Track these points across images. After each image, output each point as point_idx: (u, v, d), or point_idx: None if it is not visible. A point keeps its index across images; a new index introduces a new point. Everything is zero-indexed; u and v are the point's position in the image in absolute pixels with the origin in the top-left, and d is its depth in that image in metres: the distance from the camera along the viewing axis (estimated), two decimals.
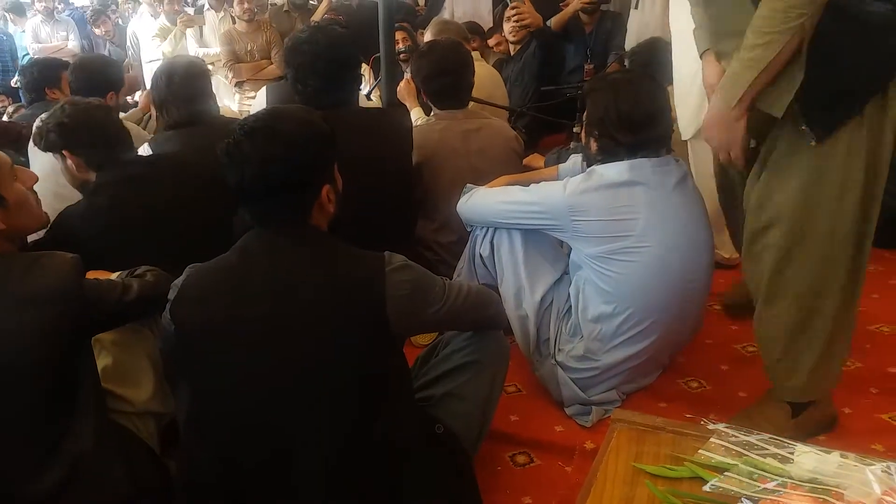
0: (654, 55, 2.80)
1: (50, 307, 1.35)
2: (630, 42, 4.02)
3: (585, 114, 1.90)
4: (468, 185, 2.14)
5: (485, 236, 2.06)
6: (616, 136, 1.79)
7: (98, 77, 2.85)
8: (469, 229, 2.14)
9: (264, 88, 3.17)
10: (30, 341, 1.33)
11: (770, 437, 1.06)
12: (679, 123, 2.60)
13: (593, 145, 1.86)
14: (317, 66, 2.19)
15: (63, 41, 6.83)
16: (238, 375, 1.33)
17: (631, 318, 1.81)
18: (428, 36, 3.58)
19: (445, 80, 2.52)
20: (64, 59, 3.71)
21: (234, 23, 5.16)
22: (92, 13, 6.61)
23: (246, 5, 4.91)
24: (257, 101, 3.18)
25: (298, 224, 1.39)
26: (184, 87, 2.41)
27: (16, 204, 1.46)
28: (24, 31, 7.02)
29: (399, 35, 3.87)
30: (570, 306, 1.94)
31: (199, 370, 1.38)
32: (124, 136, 1.99)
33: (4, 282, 1.35)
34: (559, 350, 1.94)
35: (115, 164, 1.94)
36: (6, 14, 7.11)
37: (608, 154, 1.82)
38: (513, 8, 4.15)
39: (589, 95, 1.88)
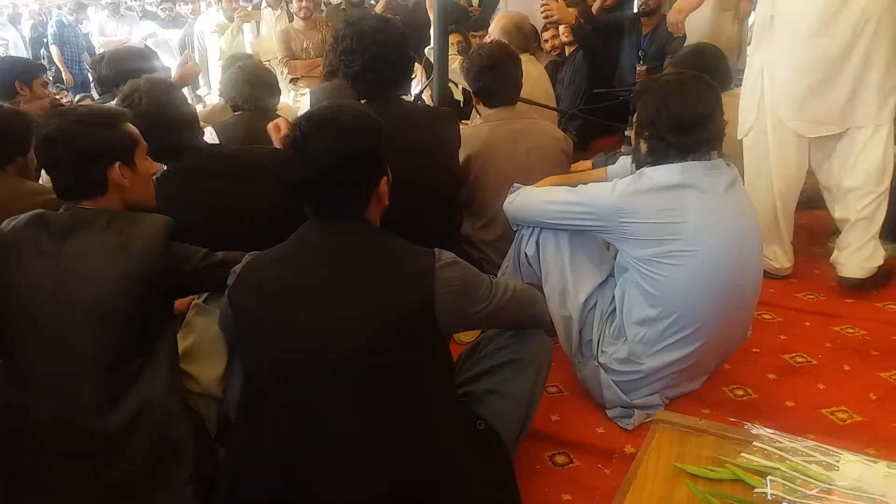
0: (700, 60, 2.75)
1: (137, 257, 1.51)
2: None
3: (636, 115, 1.89)
4: (515, 184, 2.15)
5: (530, 236, 2.07)
6: (666, 138, 1.77)
7: (124, 66, 3.01)
8: (515, 228, 2.15)
9: (308, 93, 3.30)
10: (117, 285, 1.48)
11: (815, 445, 1.05)
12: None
13: (643, 147, 1.85)
14: (390, 58, 2.19)
15: (127, 36, 7.09)
16: (288, 360, 1.38)
17: (676, 322, 1.80)
18: (493, 28, 3.61)
19: (492, 75, 2.53)
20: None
21: (291, 20, 5.28)
22: None
23: (304, 3, 5.02)
24: (304, 103, 3.31)
25: (355, 216, 1.44)
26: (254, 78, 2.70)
27: (142, 175, 1.66)
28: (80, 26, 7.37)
29: (453, 37, 3.91)
30: (615, 308, 1.93)
31: (252, 353, 1.43)
32: (183, 128, 2.05)
33: (106, 232, 1.52)
34: (602, 352, 1.94)
35: (182, 155, 2.03)
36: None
37: (658, 155, 1.81)
38: (543, 4, 4.08)
39: (640, 97, 1.86)
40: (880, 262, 2.60)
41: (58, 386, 1.47)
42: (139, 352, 1.52)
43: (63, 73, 7.00)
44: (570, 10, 4.10)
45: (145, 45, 6.83)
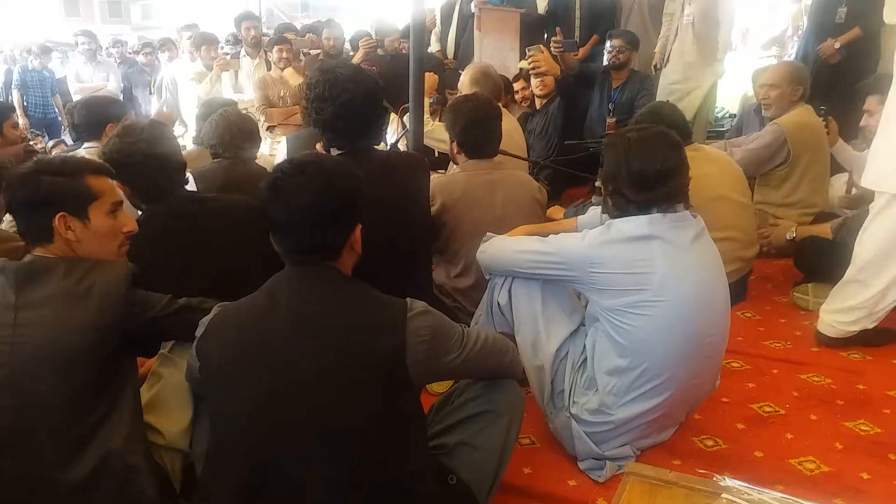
0: (657, 119, 2.73)
1: (98, 305, 1.49)
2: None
3: (602, 169, 1.95)
4: (488, 233, 2.18)
5: (503, 284, 2.09)
6: (626, 193, 1.83)
7: (96, 112, 3.04)
8: (488, 277, 2.17)
9: (285, 138, 3.35)
10: (77, 332, 1.46)
11: (783, 497, 1.06)
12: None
13: (609, 200, 1.90)
14: (361, 107, 2.17)
15: (104, 81, 7.13)
16: (256, 412, 1.36)
17: (646, 372, 1.81)
18: (464, 79, 3.69)
19: (479, 130, 2.59)
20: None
21: (269, 69, 5.35)
22: (161, 42, 7.12)
23: (283, 54, 5.11)
24: (280, 150, 3.34)
25: (329, 263, 1.45)
26: (236, 127, 2.72)
27: (95, 230, 1.60)
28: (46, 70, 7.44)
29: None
30: (586, 358, 1.94)
31: (219, 405, 1.42)
32: (174, 170, 2.06)
33: (66, 278, 1.50)
34: (574, 402, 1.94)
35: (163, 199, 2.03)
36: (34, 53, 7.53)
37: (621, 210, 1.85)
38: (530, 56, 4.22)
39: (605, 150, 1.92)
40: (857, 328, 2.59)
41: (17, 440, 1.43)
42: (100, 403, 1.48)
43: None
44: (555, 63, 4.24)
45: (120, 91, 6.90)
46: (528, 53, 4.27)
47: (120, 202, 1.68)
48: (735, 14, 4.88)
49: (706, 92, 4.92)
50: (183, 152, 2.61)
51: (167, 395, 1.69)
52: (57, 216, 1.54)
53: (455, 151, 2.68)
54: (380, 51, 5.34)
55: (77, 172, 1.59)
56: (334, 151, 2.29)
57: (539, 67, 4.16)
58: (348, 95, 2.14)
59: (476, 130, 2.58)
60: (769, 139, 3.48)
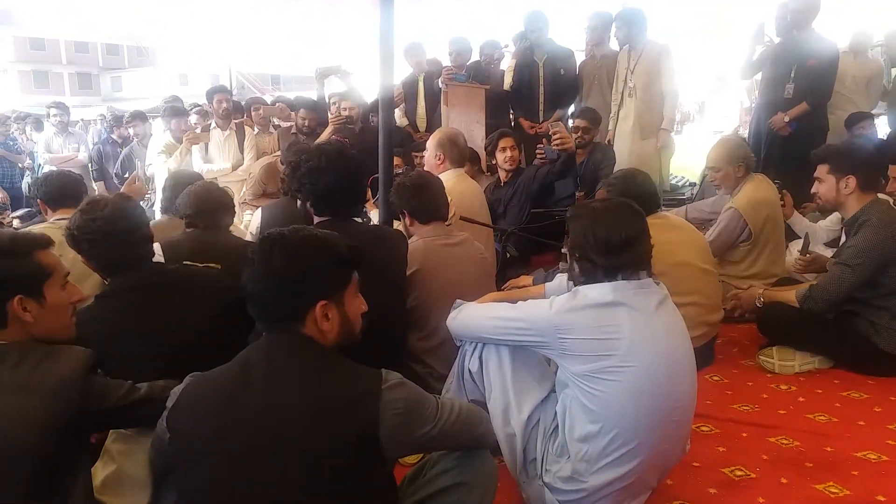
0: (630, 185, 2.90)
1: (52, 397, 1.41)
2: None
3: (569, 238, 2.00)
4: (457, 300, 2.21)
5: (473, 351, 2.10)
6: (594, 260, 1.88)
7: (69, 184, 3.11)
8: (458, 344, 2.18)
9: (259, 210, 3.41)
10: (26, 426, 1.37)
11: None
12: None
13: (576, 267, 1.95)
14: (354, 178, 2.45)
15: (74, 153, 7.13)
16: (226, 485, 1.33)
17: (617, 438, 1.82)
18: (430, 141, 3.80)
19: (422, 195, 2.78)
20: (76, 171, 3.90)
21: (242, 138, 5.44)
22: (131, 115, 7.13)
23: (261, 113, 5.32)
24: (254, 220, 3.39)
25: (302, 333, 1.44)
26: (213, 198, 2.81)
27: (52, 307, 1.56)
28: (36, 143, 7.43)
29: (396, 159, 4.09)
30: (557, 425, 1.94)
31: (188, 478, 1.38)
32: (139, 242, 2.05)
33: (17, 369, 1.43)
34: (546, 470, 1.93)
35: (128, 271, 2.01)
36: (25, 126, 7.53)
37: (588, 276, 1.90)
38: (555, 131, 4.24)
39: (571, 220, 1.99)
40: None
41: None
42: (51, 496, 1.40)
43: None
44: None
45: (90, 162, 6.88)
46: (552, 129, 4.31)
47: (67, 273, 1.65)
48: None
49: (653, 161, 5.12)
50: (151, 223, 2.62)
51: (124, 473, 1.63)
52: (14, 300, 1.49)
53: (409, 224, 2.80)
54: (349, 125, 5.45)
55: (27, 251, 1.55)
56: (317, 219, 2.44)
57: (566, 143, 4.16)
58: (346, 164, 2.42)
59: (419, 198, 2.77)
60: (729, 223, 3.65)
